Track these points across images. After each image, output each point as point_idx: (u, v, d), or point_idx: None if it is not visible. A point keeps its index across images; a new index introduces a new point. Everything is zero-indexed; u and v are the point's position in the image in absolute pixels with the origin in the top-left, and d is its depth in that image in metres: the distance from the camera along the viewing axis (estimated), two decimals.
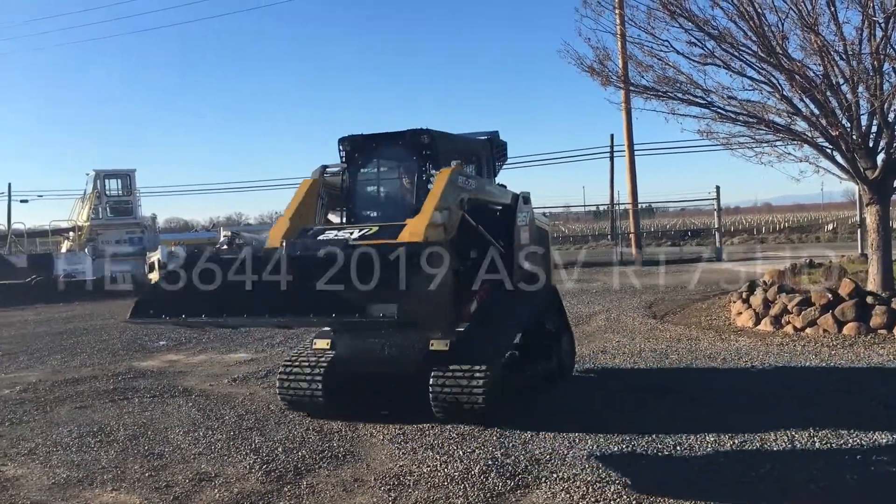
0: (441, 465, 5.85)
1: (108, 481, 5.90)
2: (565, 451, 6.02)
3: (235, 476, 5.85)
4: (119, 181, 30.25)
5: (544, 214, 11.17)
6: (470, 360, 6.78)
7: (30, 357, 12.39)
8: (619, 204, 38.46)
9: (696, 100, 12.13)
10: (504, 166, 9.26)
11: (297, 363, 7.40)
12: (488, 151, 8.62)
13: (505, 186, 8.45)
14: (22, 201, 43.15)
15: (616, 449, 6.05)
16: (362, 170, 7.80)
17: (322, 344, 7.46)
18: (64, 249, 30.51)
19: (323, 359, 7.33)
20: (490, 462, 5.84)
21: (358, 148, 7.68)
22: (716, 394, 7.73)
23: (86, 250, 28.74)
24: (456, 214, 6.91)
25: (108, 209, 29.96)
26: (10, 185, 43.94)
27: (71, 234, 30.28)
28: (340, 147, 7.73)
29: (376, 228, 6.81)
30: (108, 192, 30.26)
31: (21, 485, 5.90)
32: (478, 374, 6.69)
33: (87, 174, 29.90)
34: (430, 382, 6.76)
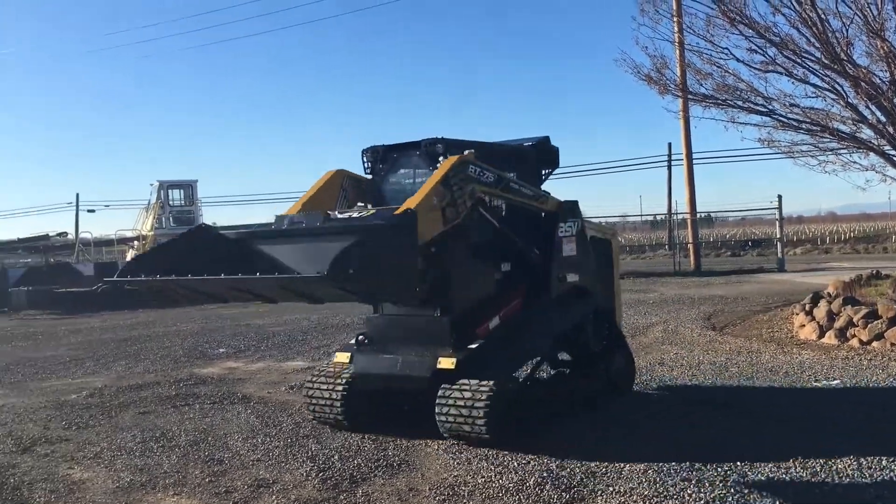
0: (496, 475, 5.83)
1: (169, 486, 6.03)
2: (622, 465, 5.95)
3: (292, 483, 5.93)
4: (182, 191, 31.07)
5: (605, 224, 10.95)
6: (474, 378, 6.48)
7: (96, 363, 12.76)
8: (676, 213, 37.93)
9: (757, 108, 11.94)
10: (553, 173, 8.68)
11: (319, 377, 7.45)
12: (531, 158, 8.17)
13: (548, 194, 7.98)
14: (89, 211, 44.60)
15: (674, 463, 5.95)
16: (384, 179, 7.66)
17: (342, 357, 7.36)
18: (129, 258, 31.38)
19: (343, 374, 7.26)
20: (545, 474, 5.79)
21: (380, 158, 7.63)
22: (777, 409, 7.54)
23: None
24: (462, 204, 6.62)
25: (171, 219, 30.75)
26: (77, 195, 45.50)
27: (136, 243, 31.14)
28: (364, 157, 7.71)
29: (373, 210, 6.84)
30: (171, 202, 31.09)
31: (87, 488, 6.08)
32: (479, 394, 6.35)
33: (151, 185, 30.80)
34: (436, 401, 6.58)
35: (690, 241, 31.75)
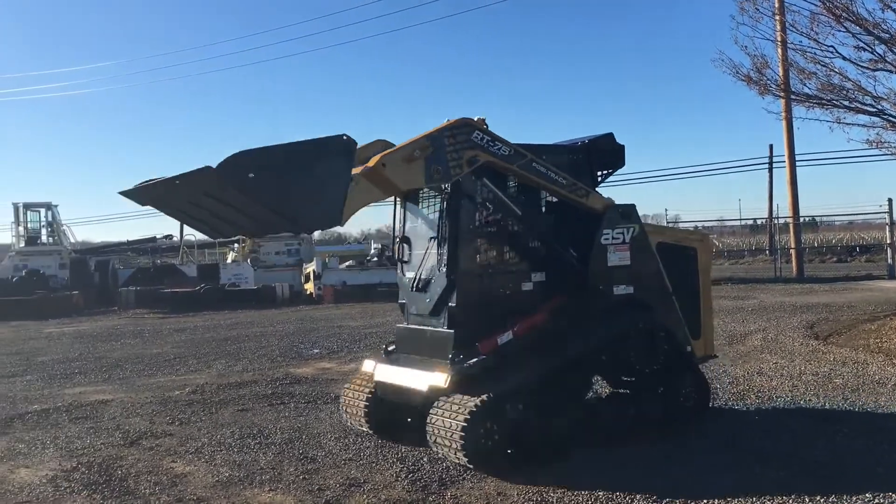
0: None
1: (265, 482, 6.22)
2: (714, 479, 5.79)
3: (383, 483, 6.02)
4: None
5: (696, 228, 10.49)
6: (463, 397, 6.05)
7: (198, 361, 13.27)
8: (778, 217, 36.58)
9: (865, 108, 11.43)
10: (613, 173, 7.88)
11: (350, 384, 7.51)
12: (581, 158, 7.42)
13: (592, 191, 7.22)
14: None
15: (772, 484, 5.73)
16: None
17: (368, 366, 7.28)
18: (229, 260, 32.56)
19: (369, 383, 7.19)
20: (631, 484, 5.70)
21: None
22: (890, 428, 7.18)
23: (248, 261, 30.53)
24: (457, 167, 6.23)
25: None
26: None
27: (235, 245, 32.23)
28: None
29: None
30: None
31: (188, 481, 6.33)
32: (458, 415, 5.91)
33: None
34: (427, 420, 6.23)
35: (792, 246, 30.57)
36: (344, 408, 7.50)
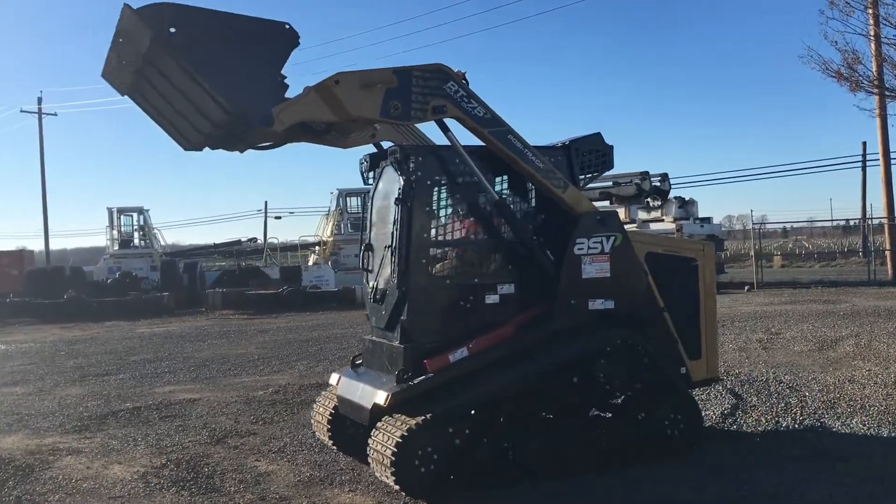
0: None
1: (345, 482, 6.32)
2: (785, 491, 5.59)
3: None
4: (360, 199, 32.46)
5: (715, 235, 9.85)
6: (402, 417, 5.74)
7: (280, 362, 13.57)
8: (872, 218, 35.10)
9: None
10: (598, 176, 7.33)
11: (320, 396, 7.37)
12: (560, 159, 6.68)
13: (571, 184, 6.51)
14: (276, 218, 47.39)
15: None
16: (374, 188, 7.07)
17: (333, 379, 7.06)
18: (311, 262, 33.20)
19: (333, 397, 6.93)
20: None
21: (368, 167, 6.97)
22: None
23: (329, 263, 31.10)
24: (419, 110, 5.85)
25: (349, 225, 32.23)
26: (266, 203, 48.50)
27: (317, 248, 32.87)
28: (360, 167, 7.10)
29: None
30: (349, 210, 32.58)
31: (271, 480, 6.48)
32: (392, 437, 5.61)
33: (331, 193, 32.49)
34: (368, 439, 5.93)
35: (888, 247, 29.23)
36: (312, 420, 7.36)
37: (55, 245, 51.12)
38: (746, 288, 26.02)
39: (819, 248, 50.36)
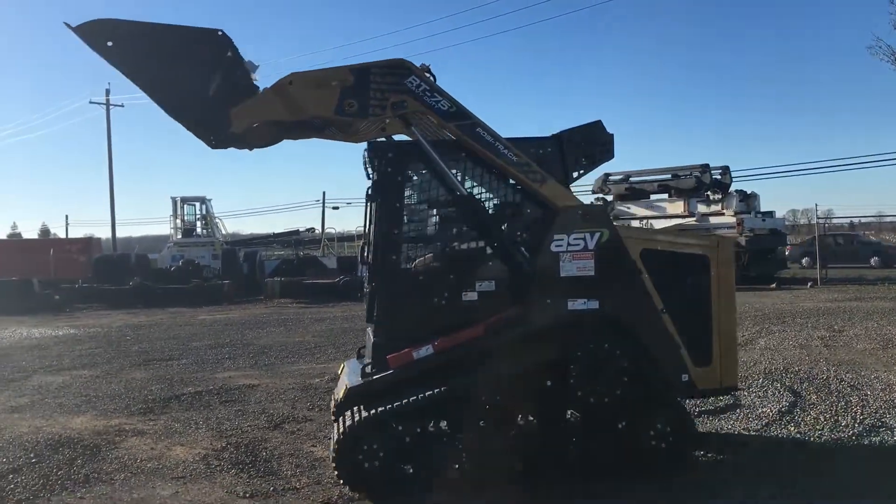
0: None
1: None
2: None
3: None
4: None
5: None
6: (356, 411, 5.76)
7: (336, 350, 13.78)
8: None
9: None
10: (593, 167, 6.68)
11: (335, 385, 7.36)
12: (551, 151, 6.37)
13: (549, 178, 6.10)
14: (333, 208, 48.06)
15: None
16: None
17: (340, 368, 7.23)
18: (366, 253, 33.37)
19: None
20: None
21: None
22: None
23: None
24: (377, 107, 5.79)
25: None
26: (324, 193, 49.24)
27: None
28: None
29: None
30: None
31: (327, 465, 6.59)
32: (340, 430, 5.72)
33: None
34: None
35: None
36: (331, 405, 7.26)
37: (121, 233, 52.65)
38: (809, 284, 25.41)
39: (888, 243, 48.71)
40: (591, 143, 6.50)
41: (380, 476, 5.68)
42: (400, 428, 5.74)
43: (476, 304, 6.02)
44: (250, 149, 6.48)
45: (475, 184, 6.29)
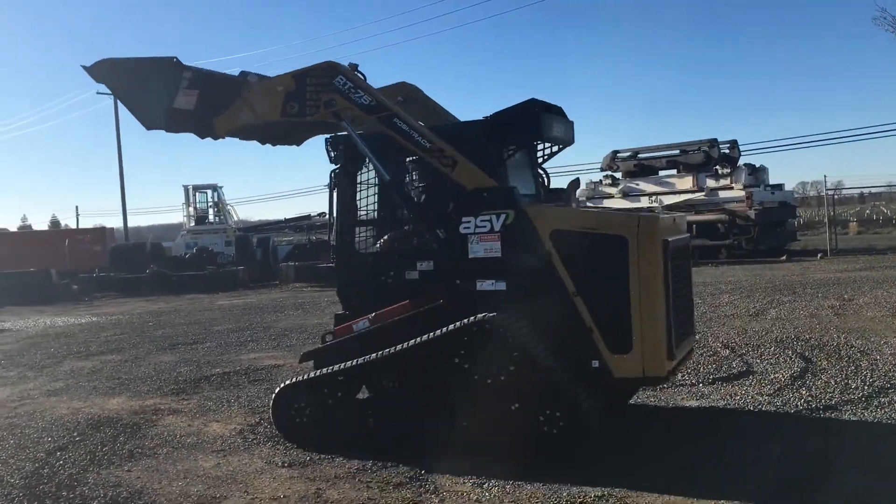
0: None
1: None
2: None
3: None
4: None
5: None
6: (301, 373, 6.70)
7: None
8: None
9: None
10: (518, 149, 6.83)
11: None
12: (479, 134, 6.55)
13: (461, 162, 6.21)
14: (333, 189, 48.22)
15: None
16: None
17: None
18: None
19: None
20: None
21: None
22: None
23: None
24: (313, 108, 6.51)
25: None
26: (331, 177, 49.40)
27: None
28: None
29: None
30: None
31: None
32: (278, 388, 6.79)
33: None
34: None
35: None
36: None
37: (130, 223, 53.05)
38: (819, 255, 25.58)
39: None
40: (518, 122, 6.53)
41: (307, 430, 6.58)
42: (325, 391, 6.47)
43: (418, 283, 6.49)
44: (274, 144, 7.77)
45: (409, 171, 6.82)
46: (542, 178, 7.32)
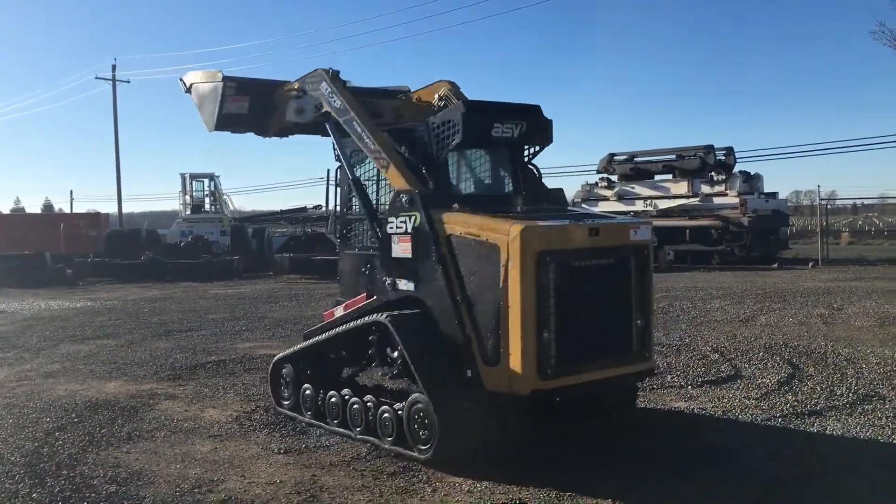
0: None
1: None
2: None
3: None
4: None
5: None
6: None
7: None
8: None
9: None
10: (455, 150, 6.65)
11: None
12: (425, 135, 6.56)
13: (392, 162, 6.44)
14: (338, 185, 48.27)
15: None
16: None
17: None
18: None
19: None
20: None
21: None
22: None
23: None
24: (310, 111, 7.15)
25: None
26: (328, 171, 49.36)
27: None
28: None
29: None
30: None
31: None
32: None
33: None
34: None
35: None
36: None
37: (125, 209, 53.01)
38: (811, 264, 25.80)
39: (890, 225, 49.09)
40: (446, 124, 6.43)
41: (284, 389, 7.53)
42: (304, 366, 7.38)
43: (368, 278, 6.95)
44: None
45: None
46: (535, 175, 7.19)
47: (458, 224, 5.95)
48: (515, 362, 5.55)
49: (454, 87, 7.46)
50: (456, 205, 6.16)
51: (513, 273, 5.52)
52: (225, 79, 7.43)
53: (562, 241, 5.80)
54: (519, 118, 6.68)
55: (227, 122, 7.60)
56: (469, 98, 7.21)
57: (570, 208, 7.41)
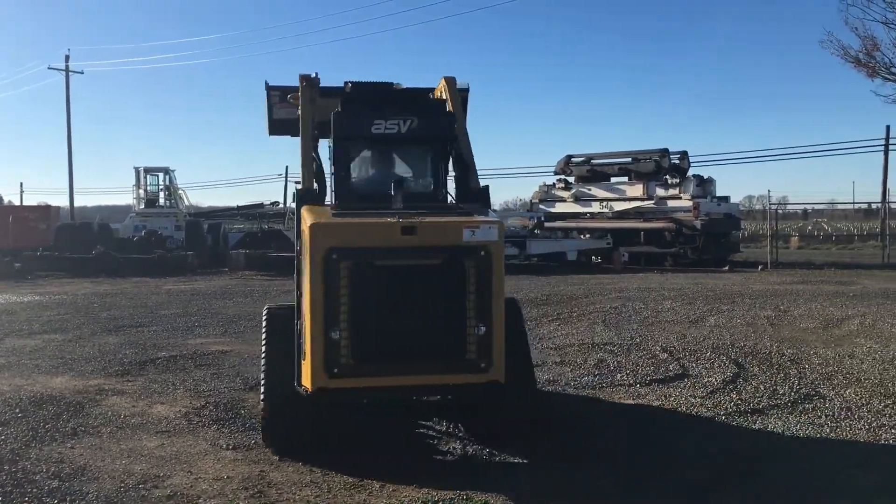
0: None
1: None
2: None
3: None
4: None
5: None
6: None
7: None
8: (890, 202, 35.20)
9: None
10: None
11: None
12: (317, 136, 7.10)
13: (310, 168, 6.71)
14: (297, 182, 48.00)
15: None
16: None
17: None
18: None
19: None
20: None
21: None
22: None
23: None
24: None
25: None
26: (287, 167, 49.08)
27: None
28: None
29: None
30: None
31: None
32: None
33: None
34: None
35: None
36: None
37: (76, 202, 52.01)
38: (760, 267, 26.34)
39: (838, 231, 50.33)
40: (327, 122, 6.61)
41: None
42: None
43: None
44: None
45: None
46: (465, 172, 6.91)
47: (306, 219, 5.78)
48: (306, 359, 5.57)
49: (450, 84, 7.30)
50: (330, 203, 6.33)
51: (306, 269, 5.54)
52: (269, 88, 7.97)
53: (360, 238, 5.57)
54: (406, 113, 6.39)
55: (278, 127, 8.05)
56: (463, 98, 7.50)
57: (460, 206, 6.58)
